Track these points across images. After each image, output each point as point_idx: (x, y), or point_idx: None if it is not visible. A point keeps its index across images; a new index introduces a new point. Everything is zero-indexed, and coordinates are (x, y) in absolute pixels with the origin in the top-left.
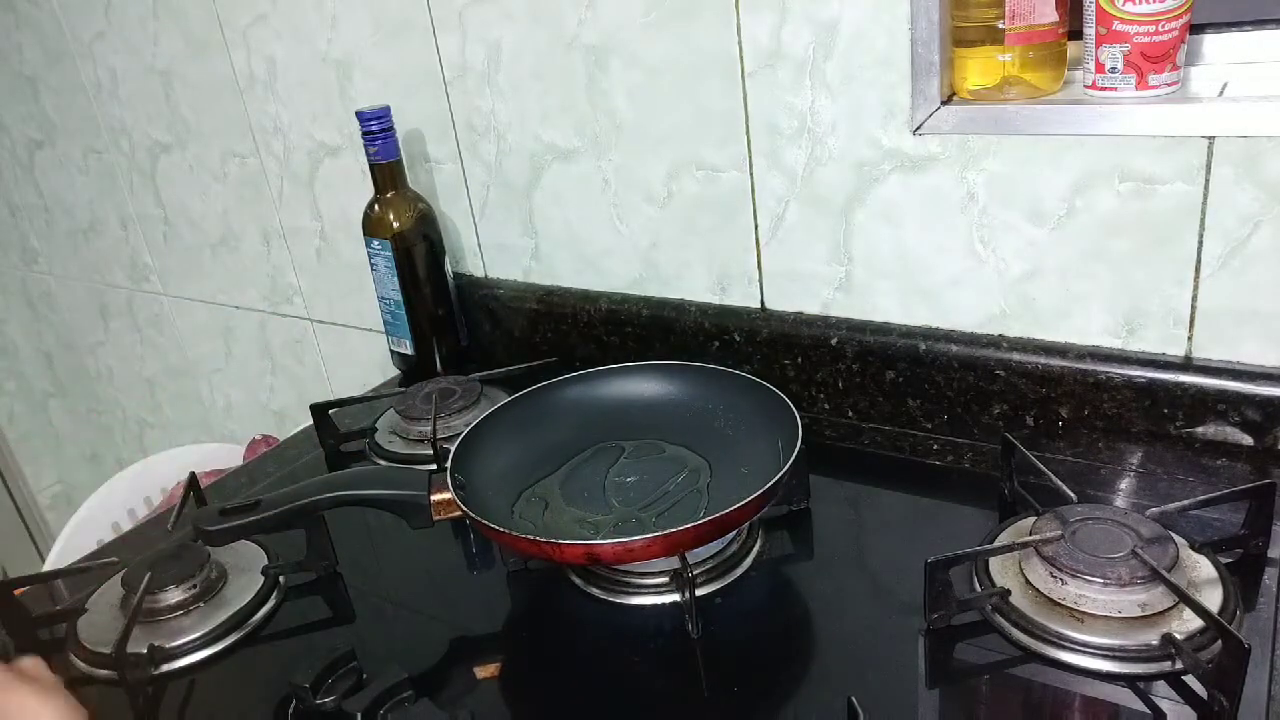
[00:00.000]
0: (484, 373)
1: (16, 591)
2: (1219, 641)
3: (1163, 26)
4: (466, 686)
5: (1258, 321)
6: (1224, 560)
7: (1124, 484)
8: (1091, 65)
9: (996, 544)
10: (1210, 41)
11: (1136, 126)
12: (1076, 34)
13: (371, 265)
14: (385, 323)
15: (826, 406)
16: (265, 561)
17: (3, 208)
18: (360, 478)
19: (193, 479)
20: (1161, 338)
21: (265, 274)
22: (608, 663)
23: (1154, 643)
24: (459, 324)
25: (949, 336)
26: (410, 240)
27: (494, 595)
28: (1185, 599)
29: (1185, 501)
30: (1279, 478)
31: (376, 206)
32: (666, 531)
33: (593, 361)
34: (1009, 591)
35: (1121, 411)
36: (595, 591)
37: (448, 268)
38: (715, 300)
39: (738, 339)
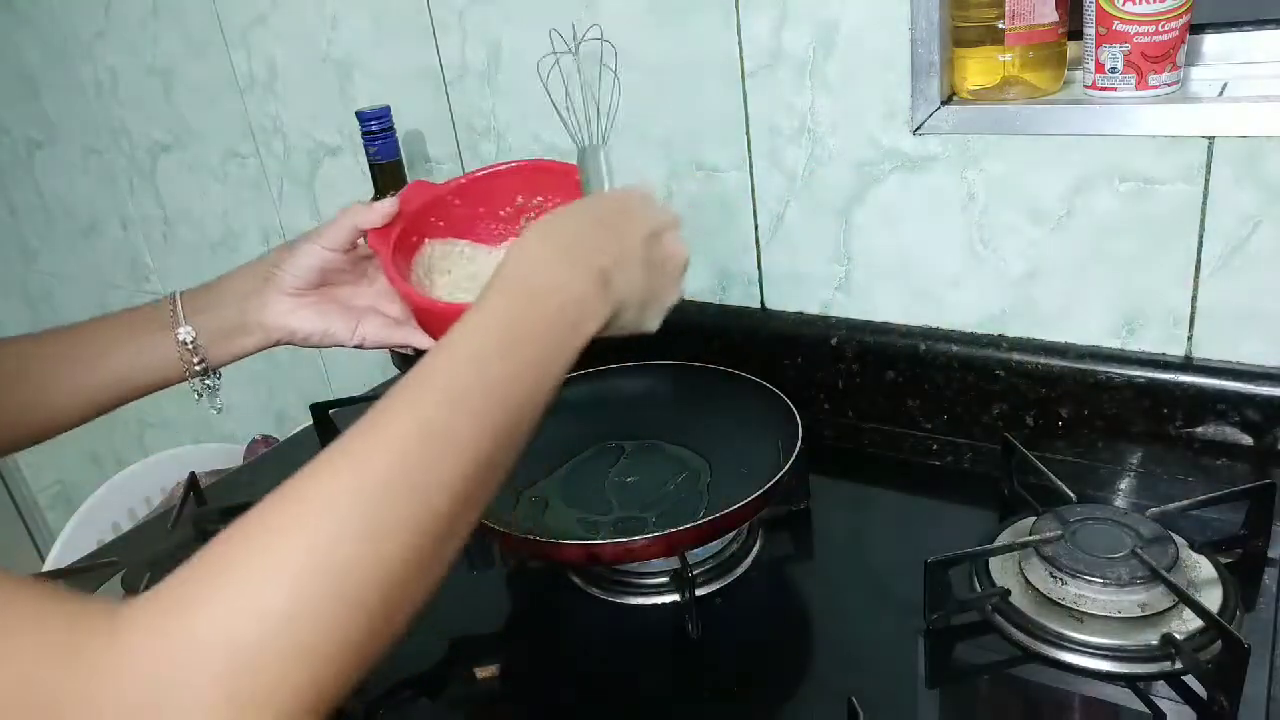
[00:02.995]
0: None
1: None
2: (1219, 641)
3: (1163, 26)
4: (466, 686)
5: (1258, 321)
6: (1224, 560)
7: (1124, 484)
8: (1091, 65)
9: (996, 544)
10: (1210, 41)
11: (1136, 126)
12: (1076, 34)
13: None
14: None
15: (826, 406)
16: None
17: (3, 208)
18: None
19: (193, 479)
20: (1161, 338)
21: None
22: (608, 663)
23: (1154, 643)
24: None
25: (949, 336)
26: None
27: (494, 595)
28: (1185, 599)
29: (1185, 501)
30: (1279, 478)
31: None
32: (666, 531)
33: (593, 361)
34: (1009, 591)
35: (1121, 411)
36: (595, 591)
37: None
38: (715, 300)
39: (738, 339)
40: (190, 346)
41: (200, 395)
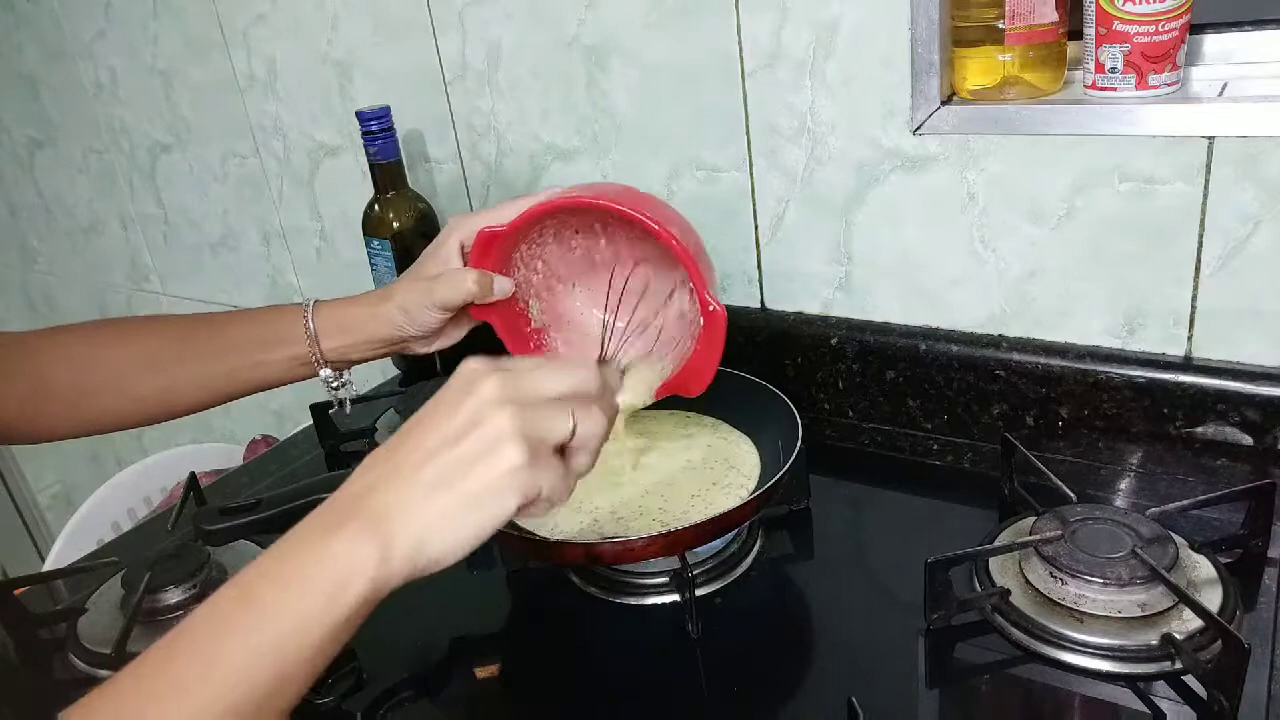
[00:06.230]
0: None
1: (16, 591)
2: (1219, 641)
3: (1163, 26)
4: (466, 686)
5: (1258, 321)
6: (1224, 560)
7: (1124, 484)
8: (1091, 65)
9: (996, 544)
10: (1210, 41)
11: (1136, 126)
12: (1076, 34)
13: (371, 265)
14: None
15: (826, 406)
16: None
17: (3, 208)
18: None
19: (193, 479)
20: (1161, 338)
21: (265, 274)
22: (607, 663)
23: (1154, 643)
24: None
25: (949, 336)
26: (410, 240)
27: (494, 595)
28: (1185, 599)
29: (1185, 501)
30: (1279, 478)
31: (376, 206)
32: (666, 531)
33: None
34: (1009, 591)
35: (1121, 411)
36: (595, 591)
37: None
38: None
39: (738, 339)
40: (333, 381)
41: (333, 403)
